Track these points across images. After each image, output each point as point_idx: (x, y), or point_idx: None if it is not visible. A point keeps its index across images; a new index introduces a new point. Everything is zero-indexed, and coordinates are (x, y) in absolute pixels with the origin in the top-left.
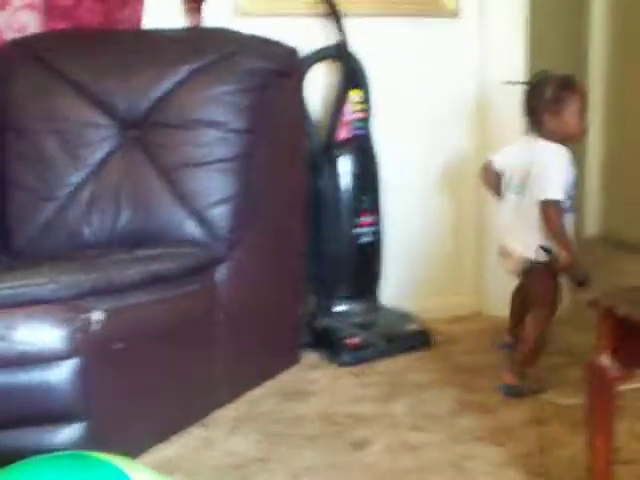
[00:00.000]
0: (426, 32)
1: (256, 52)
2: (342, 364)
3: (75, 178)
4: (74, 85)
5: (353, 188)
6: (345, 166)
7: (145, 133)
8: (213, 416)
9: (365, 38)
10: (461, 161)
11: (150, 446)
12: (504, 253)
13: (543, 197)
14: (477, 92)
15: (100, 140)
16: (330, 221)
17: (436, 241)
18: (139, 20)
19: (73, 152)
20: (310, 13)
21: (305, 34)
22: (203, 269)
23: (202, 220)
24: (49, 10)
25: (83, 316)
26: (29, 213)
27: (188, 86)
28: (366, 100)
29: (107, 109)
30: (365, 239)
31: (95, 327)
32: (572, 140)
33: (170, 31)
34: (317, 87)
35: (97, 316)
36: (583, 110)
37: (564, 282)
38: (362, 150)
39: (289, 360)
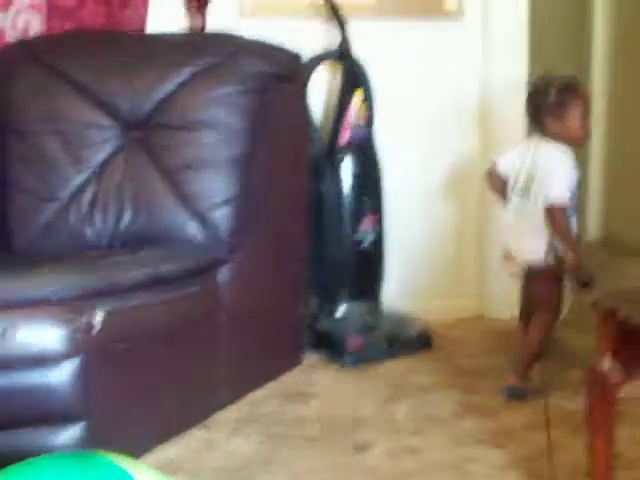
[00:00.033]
0: (429, 34)
1: (258, 56)
2: (344, 366)
3: (77, 179)
4: (76, 86)
5: (355, 192)
6: (347, 170)
7: (147, 134)
8: (214, 417)
9: (368, 41)
10: (463, 164)
11: (151, 447)
12: (508, 256)
13: (549, 199)
14: (480, 94)
15: (102, 141)
16: (332, 225)
17: (438, 244)
18: (142, 22)
19: (75, 153)
20: (313, 15)
21: (308, 36)
22: (205, 271)
23: (204, 222)
24: (51, 11)
25: (84, 317)
26: (30, 214)
27: (190, 88)
28: (368, 103)
29: (109, 110)
30: (367, 242)
31: (96, 328)
32: (575, 144)
33: (173, 34)
34: (319, 91)
35: (98, 317)
36: (586, 114)
37: (568, 284)
38: (364, 153)
39: (291, 362)
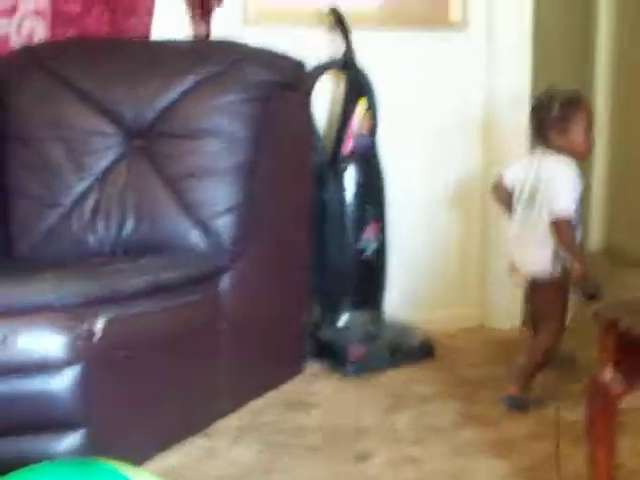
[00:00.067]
0: (433, 45)
1: (262, 64)
2: (346, 375)
3: (80, 186)
4: (80, 93)
5: (358, 200)
6: (350, 178)
7: (150, 142)
8: (216, 426)
9: (372, 50)
10: (467, 174)
11: (152, 455)
12: (513, 267)
13: (555, 212)
14: (483, 105)
15: (105, 148)
16: (335, 233)
17: (440, 254)
18: (147, 30)
19: (78, 160)
20: (317, 24)
21: (312, 45)
22: (206, 279)
23: (206, 230)
24: (56, 18)
25: (85, 324)
26: (33, 220)
27: (194, 96)
28: (372, 113)
29: (113, 118)
30: (369, 251)
31: (97, 335)
32: (578, 157)
33: (177, 42)
34: (323, 99)
35: (99, 324)
36: (589, 128)
37: (575, 295)
38: (367, 163)
39: (292, 370)
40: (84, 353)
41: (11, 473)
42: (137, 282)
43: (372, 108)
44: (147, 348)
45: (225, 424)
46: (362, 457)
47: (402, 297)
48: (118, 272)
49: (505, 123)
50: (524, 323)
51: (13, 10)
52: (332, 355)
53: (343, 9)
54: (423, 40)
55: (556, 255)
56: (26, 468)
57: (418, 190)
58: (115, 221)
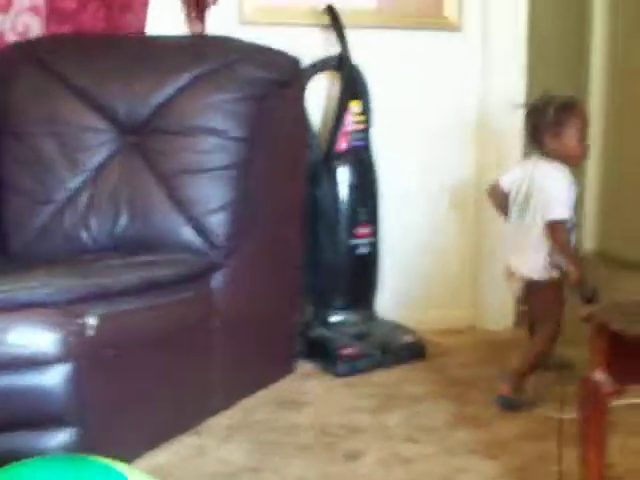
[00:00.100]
0: (428, 45)
1: (258, 61)
2: (337, 374)
3: (73, 182)
4: (75, 89)
5: (351, 199)
6: (344, 177)
7: (144, 139)
8: (206, 424)
9: (367, 50)
10: (461, 176)
11: (142, 453)
12: (509, 272)
13: (549, 217)
14: (478, 106)
15: (99, 144)
16: (327, 231)
17: (433, 254)
18: (142, 27)
19: (71, 156)
20: (313, 23)
21: (308, 44)
22: (199, 276)
23: (199, 227)
24: (51, 14)
25: (77, 321)
26: (26, 217)
27: (188, 93)
28: (366, 112)
29: (107, 114)
30: (362, 250)
31: (89, 332)
32: (573, 162)
33: (173, 38)
34: (318, 98)
35: (91, 321)
36: (584, 133)
37: (572, 298)
38: (361, 161)
39: (284, 369)
40: (76, 350)
41: (2, 468)
42: (130, 279)
43: (366, 107)
44: (139, 345)
45: (216, 422)
46: (353, 456)
47: (394, 297)
48: (110, 269)
49: (500, 125)
50: (517, 324)
51: (8, 6)
52: (324, 354)
53: (338, 8)
54: (418, 40)
55: (551, 259)
56: (18, 463)
57: (412, 190)
58: (108, 218)
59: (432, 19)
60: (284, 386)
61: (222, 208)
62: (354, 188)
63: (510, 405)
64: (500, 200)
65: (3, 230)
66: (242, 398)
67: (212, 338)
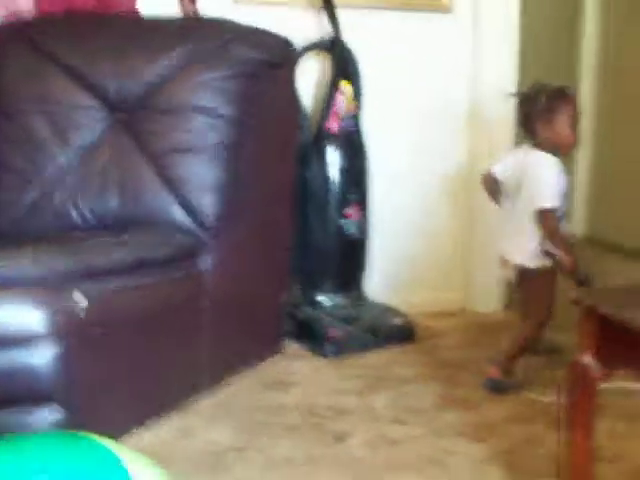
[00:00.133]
0: (419, 27)
1: (249, 42)
2: (325, 356)
3: (63, 160)
4: (65, 68)
5: (341, 180)
6: (334, 158)
7: (135, 118)
8: (193, 403)
9: (358, 31)
10: (452, 158)
11: (128, 431)
12: (502, 260)
13: (539, 206)
14: (468, 88)
15: (90, 123)
16: (317, 212)
17: (423, 236)
18: (133, 5)
19: (62, 135)
20: (305, 4)
21: (299, 25)
22: (188, 256)
23: (189, 207)
24: None
25: (65, 299)
26: (15, 194)
27: (179, 72)
28: (357, 93)
29: (98, 92)
30: (351, 232)
31: (77, 310)
32: (564, 150)
33: (165, 18)
34: (309, 79)
35: (80, 299)
36: (575, 121)
37: (566, 284)
38: (351, 143)
39: (272, 350)
40: (63, 328)
41: None
42: (118, 258)
43: (357, 89)
44: (127, 324)
45: (202, 402)
46: (340, 437)
47: (385, 280)
48: (100, 247)
49: (491, 108)
50: (509, 307)
51: None
52: (312, 335)
53: None
54: (410, 22)
55: (542, 247)
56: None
57: (402, 172)
58: (98, 196)
59: (424, 1)
60: (272, 367)
61: (212, 188)
62: (344, 170)
63: (498, 388)
64: (493, 188)
65: None
66: (229, 378)
67: (200, 318)
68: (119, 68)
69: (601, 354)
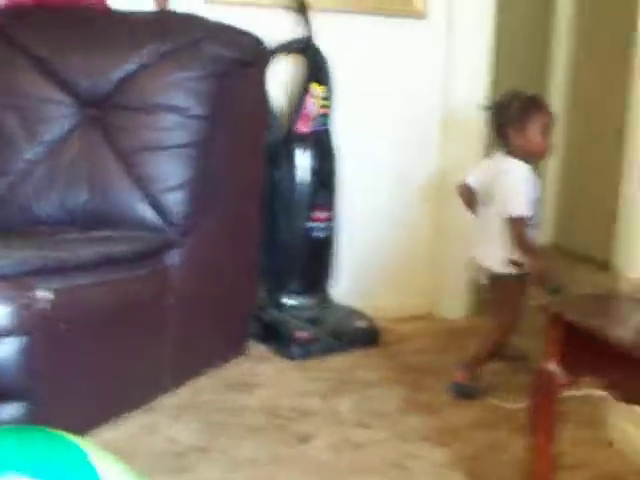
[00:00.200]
0: (393, 32)
1: (221, 40)
2: (290, 358)
3: (31, 154)
4: (36, 61)
5: (309, 182)
6: (303, 159)
7: (105, 114)
8: (157, 402)
9: (331, 34)
10: (421, 164)
11: (91, 429)
12: (474, 265)
13: (510, 213)
14: (442, 94)
15: (59, 117)
16: (285, 213)
17: (392, 242)
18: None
19: (31, 128)
20: (278, 5)
21: (272, 25)
22: (155, 253)
23: (157, 204)
24: None
25: (30, 294)
26: None
27: (151, 70)
28: (328, 96)
29: (68, 87)
30: (318, 234)
31: (42, 306)
32: (536, 158)
33: (137, 13)
34: (280, 80)
35: (45, 295)
36: (548, 129)
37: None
38: (321, 145)
39: (236, 350)
40: (28, 323)
41: None
42: (85, 253)
43: (328, 91)
44: (92, 320)
45: (166, 401)
46: (303, 439)
47: (352, 284)
48: (66, 243)
49: (462, 111)
50: (474, 313)
51: None
52: (277, 337)
53: None
54: (383, 26)
55: (512, 255)
56: None
57: (371, 176)
58: (65, 191)
59: (398, 6)
60: (236, 367)
61: (180, 186)
62: (313, 171)
63: (464, 392)
64: (470, 199)
65: None
66: (193, 377)
67: (166, 315)
68: (90, 63)
69: (566, 361)
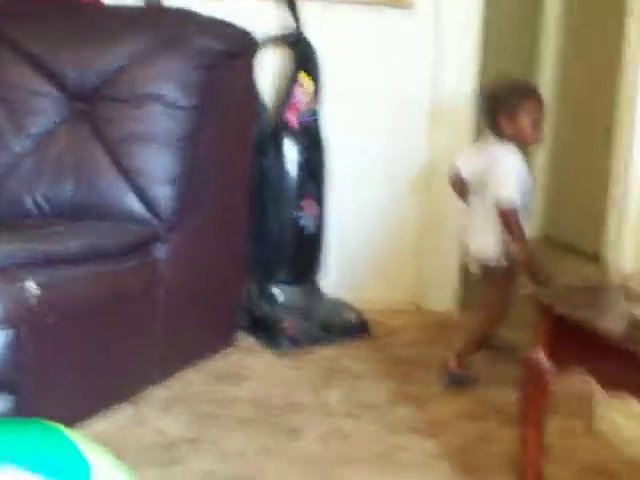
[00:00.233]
0: (381, 22)
1: (209, 32)
2: (279, 350)
3: (19, 147)
4: (25, 54)
5: (298, 173)
6: (291, 151)
7: (93, 106)
8: (145, 394)
9: (319, 25)
10: (409, 155)
11: (80, 421)
12: (466, 253)
13: (499, 198)
14: (430, 84)
15: (47, 110)
16: (273, 204)
17: (380, 234)
18: None
19: (19, 121)
20: None
21: (260, 17)
22: (144, 246)
23: (145, 197)
24: None
25: (17, 286)
26: None
27: (139, 62)
28: (317, 87)
29: (57, 80)
30: (307, 225)
31: (30, 298)
32: (527, 144)
33: (127, 7)
34: (269, 71)
35: (32, 287)
36: (539, 116)
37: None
38: (309, 137)
39: (225, 342)
40: (15, 316)
41: None
42: (72, 246)
43: (317, 83)
44: (80, 313)
45: (155, 393)
46: (293, 431)
47: (340, 276)
48: (54, 235)
49: (451, 103)
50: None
51: None
52: (266, 329)
53: None
54: (372, 17)
55: (504, 242)
56: None
57: (360, 168)
58: (53, 184)
59: None
60: (225, 359)
61: (169, 178)
62: (302, 163)
63: (457, 381)
64: (462, 189)
65: None
66: (182, 369)
67: (154, 308)
68: (79, 56)
69: (555, 353)
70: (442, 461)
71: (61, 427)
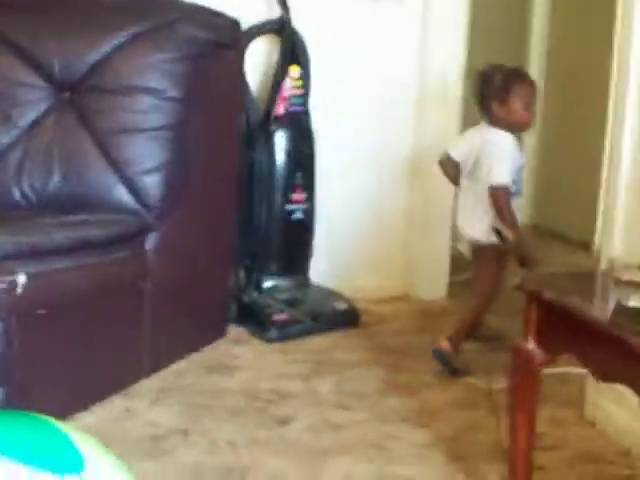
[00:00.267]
0: (369, 10)
1: (197, 22)
2: (269, 340)
3: (5, 138)
4: (11, 44)
5: (287, 164)
6: (281, 141)
7: (80, 97)
8: (136, 386)
9: (307, 14)
10: (397, 144)
11: (70, 414)
12: (459, 235)
13: (490, 181)
14: (417, 72)
15: (34, 101)
16: (263, 195)
17: (368, 223)
18: None
19: (5, 112)
20: None
21: (248, 7)
22: (132, 237)
23: (133, 187)
24: None
25: (6, 278)
26: None
27: (126, 52)
28: (305, 77)
29: (43, 70)
30: (297, 215)
31: (18, 291)
32: (519, 129)
33: None
34: (257, 61)
35: (20, 279)
36: (531, 101)
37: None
38: (298, 127)
39: (215, 333)
40: (4, 307)
41: None
42: (61, 237)
43: (305, 72)
44: (69, 305)
45: (145, 385)
46: (283, 421)
47: (330, 265)
48: (42, 227)
49: (439, 91)
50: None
51: None
52: (256, 319)
53: None
54: (359, 6)
55: (495, 224)
56: None
57: (350, 158)
58: (41, 175)
59: None
60: (215, 350)
61: (157, 169)
62: (291, 153)
63: (443, 359)
64: (452, 172)
65: None
66: (172, 361)
67: (144, 299)
68: (65, 47)
69: (544, 340)
70: (433, 450)
71: (53, 419)
